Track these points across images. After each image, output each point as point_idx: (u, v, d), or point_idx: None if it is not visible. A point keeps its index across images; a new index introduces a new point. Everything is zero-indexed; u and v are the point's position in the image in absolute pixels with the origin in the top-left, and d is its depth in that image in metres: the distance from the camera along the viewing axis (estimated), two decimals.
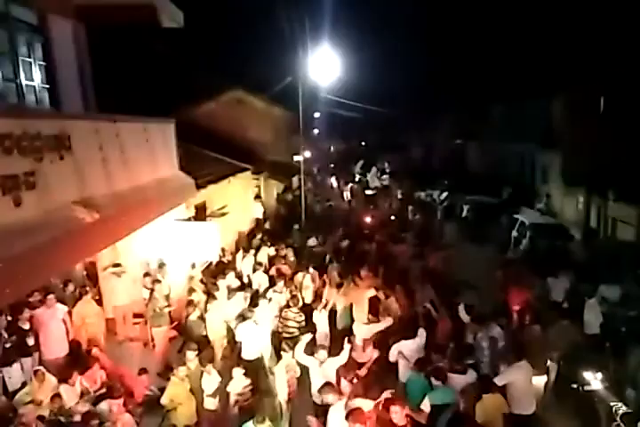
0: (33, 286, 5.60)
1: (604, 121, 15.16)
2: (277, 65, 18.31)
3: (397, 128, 25.71)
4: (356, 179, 26.91)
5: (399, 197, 21.35)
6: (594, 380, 6.31)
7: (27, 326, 6.56)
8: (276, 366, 6.98)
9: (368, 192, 23.91)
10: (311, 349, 6.70)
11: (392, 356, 6.99)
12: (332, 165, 30.41)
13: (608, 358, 7.06)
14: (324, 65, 16.90)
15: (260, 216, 17.11)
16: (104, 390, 6.13)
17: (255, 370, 7.49)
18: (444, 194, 19.13)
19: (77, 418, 5.69)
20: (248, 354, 7.56)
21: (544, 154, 17.02)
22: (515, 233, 13.17)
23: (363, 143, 29.45)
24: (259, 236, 13.67)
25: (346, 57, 18.71)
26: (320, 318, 8.40)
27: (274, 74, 18.42)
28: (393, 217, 18.17)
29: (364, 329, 7.71)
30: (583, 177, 14.25)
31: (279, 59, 18.32)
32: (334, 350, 6.89)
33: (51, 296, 6.91)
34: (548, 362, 7.19)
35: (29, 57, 6.68)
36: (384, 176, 26.18)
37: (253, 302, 8.67)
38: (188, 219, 10.25)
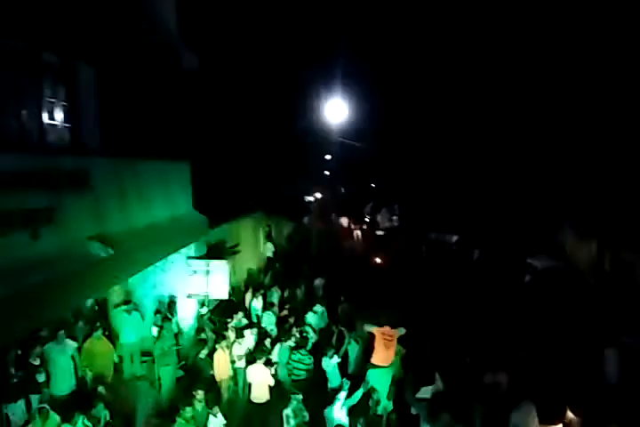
0: (45, 320, 5.62)
1: None
2: (291, 105, 18.86)
3: (406, 172, 26.08)
4: (367, 219, 27.06)
5: (408, 238, 21.36)
6: None
7: (37, 362, 6.53)
8: (285, 410, 6.83)
9: (378, 233, 23.99)
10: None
11: None
12: (343, 206, 30.66)
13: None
14: (334, 110, 17.40)
15: (271, 255, 17.15)
16: None
17: (264, 413, 7.36)
18: (455, 237, 19.15)
19: None
20: (257, 397, 7.43)
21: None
22: (527, 278, 13.07)
23: (373, 185, 29.77)
24: (269, 275, 13.67)
25: (356, 103, 19.21)
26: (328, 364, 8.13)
27: (287, 115, 18.95)
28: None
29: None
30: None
31: (292, 102, 18.89)
32: None
33: (61, 332, 6.91)
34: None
35: (53, 98, 6.96)
36: (394, 217, 26.28)
37: (262, 344, 8.58)
38: (200, 257, 10.34)
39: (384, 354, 7.79)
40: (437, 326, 9.43)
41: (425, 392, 6.90)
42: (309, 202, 21.32)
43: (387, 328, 8.03)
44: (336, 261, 16.79)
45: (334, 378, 8.04)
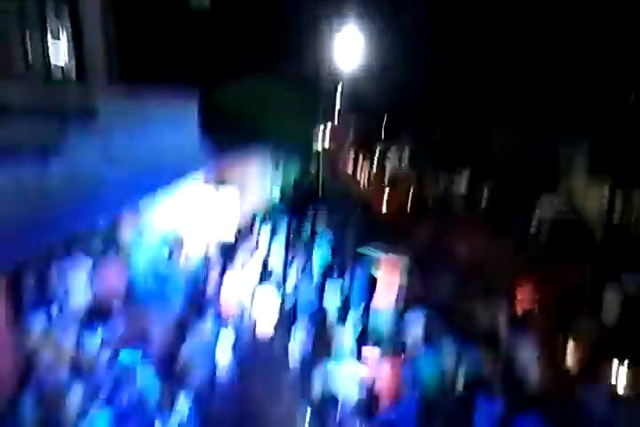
0: (59, 239, 5.79)
1: None
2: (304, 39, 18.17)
3: (422, 108, 25.24)
4: (375, 159, 26.74)
5: (418, 180, 21.21)
6: None
7: (52, 276, 6.78)
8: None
9: (388, 174, 23.76)
10: None
11: None
12: (353, 145, 30.20)
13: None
14: (345, 43, 16.84)
15: (278, 194, 17.25)
16: (123, 343, 6.34)
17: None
18: (465, 180, 18.95)
19: (99, 366, 5.95)
20: (263, 329, 7.78)
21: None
22: (533, 229, 13.01)
23: (385, 120, 29.08)
24: (274, 213, 13.79)
25: (368, 35, 18.47)
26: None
27: (296, 50, 18.32)
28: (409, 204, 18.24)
29: None
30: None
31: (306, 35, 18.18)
32: None
33: (75, 250, 7.13)
34: None
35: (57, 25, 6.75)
36: (404, 157, 25.95)
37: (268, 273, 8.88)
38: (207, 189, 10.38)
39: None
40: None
41: None
42: (318, 137, 20.97)
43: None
44: (344, 204, 16.86)
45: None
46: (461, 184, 19.54)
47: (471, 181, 19.02)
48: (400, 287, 8.21)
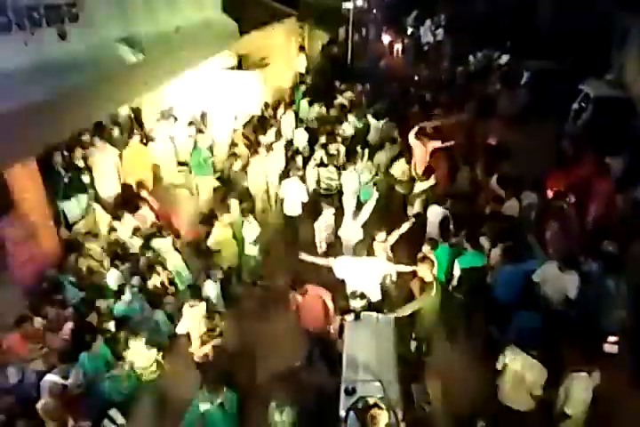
0: (83, 122, 5.64)
1: None
2: None
3: None
4: (409, 32, 24.59)
5: (452, 56, 19.66)
6: None
7: (81, 164, 6.81)
8: (316, 222, 7.26)
9: (421, 48, 22.10)
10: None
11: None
12: (383, 16, 27.67)
13: None
14: None
15: (303, 70, 16.25)
16: (154, 230, 6.55)
17: (296, 225, 7.86)
18: (505, 57, 17.46)
19: (133, 250, 6.23)
20: (290, 210, 7.84)
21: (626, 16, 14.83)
22: (575, 106, 12.22)
23: None
24: (301, 90, 13.15)
25: None
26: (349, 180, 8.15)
27: None
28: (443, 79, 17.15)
29: None
30: None
31: None
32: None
33: (99, 139, 7.05)
34: None
35: None
36: (439, 30, 23.78)
37: (294, 160, 8.70)
38: (231, 68, 9.82)
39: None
40: None
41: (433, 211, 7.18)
42: (347, 10, 19.11)
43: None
44: (372, 77, 15.87)
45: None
46: (501, 60, 18.10)
47: (511, 60, 17.60)
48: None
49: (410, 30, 24.75)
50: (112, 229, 6.42)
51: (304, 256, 5.87)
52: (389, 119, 10.57)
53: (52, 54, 4.29)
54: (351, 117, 10.79)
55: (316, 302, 5.39)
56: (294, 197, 7.76)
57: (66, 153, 6.65)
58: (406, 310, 5.41)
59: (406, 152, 8.68)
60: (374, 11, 27.83)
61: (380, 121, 10.58)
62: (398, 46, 22.75)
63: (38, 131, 4.14)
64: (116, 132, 7.67)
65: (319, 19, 17.68)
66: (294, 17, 14.85)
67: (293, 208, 7.83)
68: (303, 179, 8.16)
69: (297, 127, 10.44)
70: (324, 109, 11.68)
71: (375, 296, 5.76)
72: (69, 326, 5.13)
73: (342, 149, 9.19)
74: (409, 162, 8.53)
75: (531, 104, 13.73)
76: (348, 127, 10.48)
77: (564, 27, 18.12)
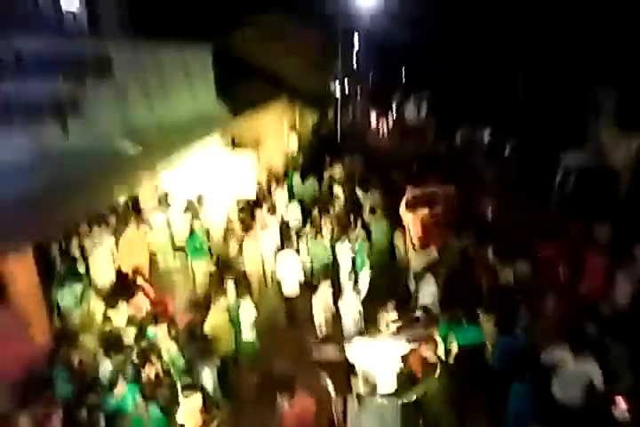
0: (82, 213, 5.72)
1: None
2: None
3: (444, 57, 24.12)
4: (394, 110, 25.95)
5: (436, 132, 20.63)
6: None
7: (77, 254, 6.82)
8: (313, 300, 7.19)
9: (406, 124, 23.20)
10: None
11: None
12: (369, 95, 29.28)
13: None
14: None
15: (295, 148, 16.88)
16: (149, 317, 6.42)
17: (294, 306, 7.79)
18: (488, 131, 18.34)
19: (127, 340, 6.06)
20: (288, 290, 7.87)
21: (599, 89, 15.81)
22: (558, 177, 12.68)
23: (404, 72, 27.92)
24: (293, 167, 13.59)
25: None
26: (343, 251, 8.26)
27: None
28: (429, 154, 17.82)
29: None
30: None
31: None
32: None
33: (97, 227, 7.12)
34: None
35: None
36: (422, 108, 25.13)
37: (288, 234, 8.79)
38: (224, 147, 10.19)
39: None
40: None
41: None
42: (335, 90, 20.31)
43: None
44: (360, 152, 16.46)
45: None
46: (483, 137, 18.93)
47: (494, 135, 18.42)
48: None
49: (394, 108, 26.10)
50: (106, 318, 6.29)
51: (317, 355, 5.69)
52: (379, 191, 10.84)
53: (53, 147, 4.44)
54: (340, 191, 11.04)
55: (303, 413, 4.93)
56: (291, 274, 7.79)
57: (62, 242, 6.69)
58: (412, 395, 5.19)
59: (398, 222, 8.84)
60: (360, 92, 29.47)
61: (368, 193, 10.86)
62: (384, 123, 23.89)
63: (38, 220, 4.19)
64: (112, 219, 7.78)
65: (308, 100, 18.69)
66: (285, 99, 15.67)
67: (291, 288, 7.80)
68: (298, 252, 8.20)
69: (290, 202, 10.63)
70: (315, 184, 12.01)
71: (390, 382, 5.45)
72: (57, 424, 4.85)
73: (334, 222, 9.31)
74: (402, 232, 8.64)
75: (516, 176, 14.20)
76: (339, 200, 10.71)
77: (542, 100, 19.24)
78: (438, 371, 5.24)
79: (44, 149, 4.39)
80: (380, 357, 5.43)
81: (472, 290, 7.15)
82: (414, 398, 5.19)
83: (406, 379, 5.69)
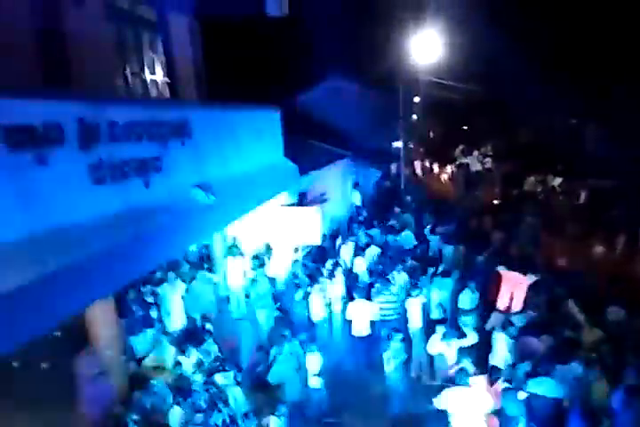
0: (160, 261, 6.10)
1: None
2: (378, 49, 18.09)
3: (503, 110, 24.26)
4: (457, 163, 25.94)
5: (503, 181, 20.27)
6: None
7: (151, 300, 7.20)
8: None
9: (471, 176, 23.04)
10: None
11: None
12: (432, 150, 29.58)
13: None
14: (425, 46, 16.50)
15: (359, 203, 17.17)
16: (217, 363, 6.55)
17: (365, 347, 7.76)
18: (558, 179, 17.81)
19: (196, 386, 6.18)
20: (358, 331, 7.91)
21: None
22: None
23: (465, 127, 28.21)
24: (357, 222, 13.78)
25: (449, 37, 17.98)
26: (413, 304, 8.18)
27: (374, 58, 18.23)
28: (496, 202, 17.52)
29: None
30: None
31: (380, 42, 18.06)
32: None
33: (171, 274, 7.54)
34: None
35: (152, 53, 7.19)
36: (487, 159, 24.97)
37: (356, 286, 8.86)
38: (292, 205, 10.59)
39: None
40: None
41: None
42: (397, 148, 20.75)
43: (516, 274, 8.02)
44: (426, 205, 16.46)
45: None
46: (555, 182, 18.38)
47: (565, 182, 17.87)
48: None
49: (458, 161, 26.12)
50: (177, 364, 6.49)
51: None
52: (456, 243, 10.70)
53: (136, 200, 4.84)
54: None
55: None
56: (362, 318, 7.94)
57: (138, 288, 7.12)
58: None
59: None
60: (422, 147, 29.86)
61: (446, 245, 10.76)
62: (448, 176, 23.85)
63: (123, 268, 4.52)
64: (185, 267, 8.21)
65: (371, 157, 19.21)
66: (348, 157, 16.23)
67: (361, 328, 7.93)
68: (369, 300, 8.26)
69: (355, 256, 10.71)
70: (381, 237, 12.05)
71: None
72: None
73: (404, 275, 9.24)
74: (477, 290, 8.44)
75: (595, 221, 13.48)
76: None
77: (612, 145, 18.63)
78: None
79: (129, 202, 4.78)
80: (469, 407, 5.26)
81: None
82: None
83: None
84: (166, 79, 7.67)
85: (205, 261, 8.72)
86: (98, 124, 4.21)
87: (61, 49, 5.52)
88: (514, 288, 8.21)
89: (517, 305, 8.02)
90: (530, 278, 8.23)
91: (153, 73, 7.32)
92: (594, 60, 19.17)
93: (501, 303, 8.27)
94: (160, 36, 7.46)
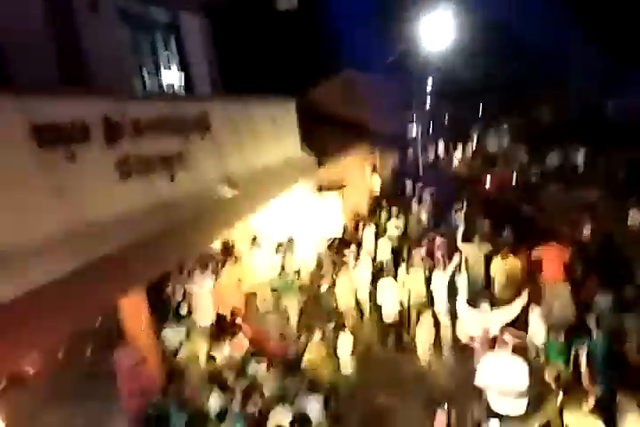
0: (188, 255, 6.19)
1: None
2: (390, 33, 17.89)
3: (521, 87, 23.73)
4: (474, 144, 25.56)
5: (524, 160, 19.88)
6: None
7: (180, 297, 7.34)
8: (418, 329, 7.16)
9: (489, 155, 22.68)
10: None
11: None
12: (448, 132, 29.17)
13: None
14: (437, 26, 16.27)
15: (378, 189, 17.11)
16: (249, 356, 6.67)
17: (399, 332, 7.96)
18: (582, 152, 17.32)
19: (230, 379, 6.31)
20: (389, 316, 8.06)
21: None
22: None
23: (481, 106, 27.73)
24: (379, 206, 13.76)
25: (463, 20, 17.68)
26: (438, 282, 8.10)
27: (387, 43, 18.04)
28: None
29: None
30: None
31: (391, 27, 17.86)
32: None
33: (198, 270, 7.65)
34: None
35: (166, 51, 7.23)
36: (504, 138, 24.57)
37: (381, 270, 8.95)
38: (312, 191, 10.62)
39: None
40: None
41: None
42: (413, 131, 20.60)
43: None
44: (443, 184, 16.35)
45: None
46: (578, 156, 17.96)
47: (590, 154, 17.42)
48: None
49: (475, 142, 25.74)
50: (210, 358, 6.62)
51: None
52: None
53: (162, 194, 4.92)
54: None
55: None
56: (390, 302, 8.03)
57: (168, 285, 7.25)
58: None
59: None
60: (438, 129, 29.46)
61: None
62: (466, 156, 23.55)
63: (150, 261, 4.61)
64: (212, 262, 8.30)
65: (389, 143, 19.12)
66: (366, 145, 16.15)
67: (390, 314, 8.04)
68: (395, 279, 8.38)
69: (378, 239, 10.69)
70: (402, 222, 12.01)
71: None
72: None
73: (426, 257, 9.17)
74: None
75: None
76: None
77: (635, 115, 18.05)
78: None
79: (155, 196, 4.87)
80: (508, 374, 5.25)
81: None
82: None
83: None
84: (182, 78, 7.73)
85: (230, 254, 8.81)
86: (121, 120, 4.29)
87: (77, 52, 5.61)
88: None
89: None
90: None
91: (168, 72, 7.39)
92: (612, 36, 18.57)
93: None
94: (173, 36, 7.52)
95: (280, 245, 9.36)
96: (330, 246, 10.24)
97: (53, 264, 3.27)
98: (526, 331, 6.86)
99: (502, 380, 5.27)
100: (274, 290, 8.56)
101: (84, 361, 7.03)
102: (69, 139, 3.66)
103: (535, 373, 5.55)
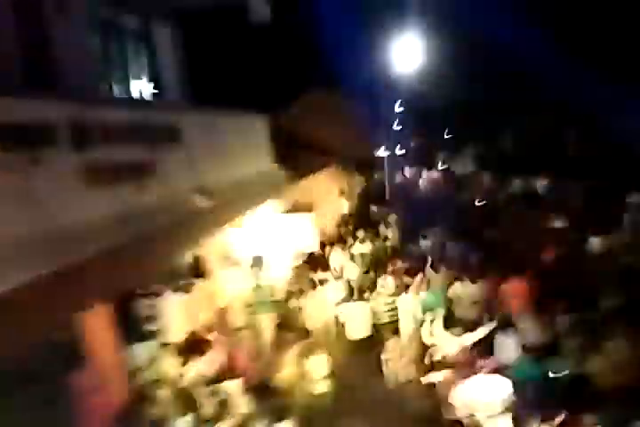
0: (158, 267, 5.95)
1: None
2: (360, 58, 18.30)
3: (485, 115, 24.53)
4: (440, 168, 26.09)
5: (489, 185, 20.39)
6: None
7: (149, 313, 7.00)
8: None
9: (455, 180, 23.11)
10: None
11: None
12: (415, 156, 29.74)
13: None
14: (406, 54, 16.75)
15: (346, 211, 17.17)
16: (221, 373, 6.39)
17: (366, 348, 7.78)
18: (544, 181, 17.94)
19: (200, 397, 6.02)
20: (355, 333, 7.99)
21: None
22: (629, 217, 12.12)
23: (446, 132, 28.47)
24: (346, 228, 13.75)
25: (431, 43, 18.28)
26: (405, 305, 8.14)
27: (357, 66, 18.43)
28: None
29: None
30: None
31: (361, 52, 18.29)
32: None
33: (164, 287, 7.36)
34: None
35: (136, 59, 7.15)
36: (469, 164, 25.24)
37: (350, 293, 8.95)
38: (282, 212, 10.54)
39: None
40: None
41: None
42: (381, 157, 20.91)
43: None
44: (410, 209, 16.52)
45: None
46: (539, 186, 18.52)
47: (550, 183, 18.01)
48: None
49: (441, 167, 26.25)
50: (180, 376, 6.31)
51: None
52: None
53: (131, 202, 4.73)
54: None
55: None
56: (356, 320, 8.06)
57: (135, 301, 6.91)
58: None
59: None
60: (405, 154, 29.98)
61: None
62: (433, 180, 23.96)
63: (115, 275, 4.38)
64: (181, 278, 8.02)
65: (357, 165, 19.34)
66: (335, 166, 16.27)
67: (357, 331, 8.00)
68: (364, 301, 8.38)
69: (347, 262, 10.64)
70: (368, 246, 11.98)
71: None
72: None
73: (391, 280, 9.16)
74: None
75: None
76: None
77: (594, 147, 18.86)
78: None
79: (124, 205, 4.70)
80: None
81: None
82: None
83: None
84: (151, 88, 7.64)
85: (201, 271, 8.56)
86: (90, 125, 4.15)
87: (45, 55, 5.46)
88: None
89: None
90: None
91: (138, 81, 7.28)
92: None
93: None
94: (144, 45, 7.45)
95: (254, 260, 9.19)
96: (299, 267, 10.10)
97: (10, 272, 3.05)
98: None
99: (488, 399, 5.20)
100: (248, 306, 8.35)
101: (36, 384, 6.55)
102: (34, 141, 3.48)
103: None
